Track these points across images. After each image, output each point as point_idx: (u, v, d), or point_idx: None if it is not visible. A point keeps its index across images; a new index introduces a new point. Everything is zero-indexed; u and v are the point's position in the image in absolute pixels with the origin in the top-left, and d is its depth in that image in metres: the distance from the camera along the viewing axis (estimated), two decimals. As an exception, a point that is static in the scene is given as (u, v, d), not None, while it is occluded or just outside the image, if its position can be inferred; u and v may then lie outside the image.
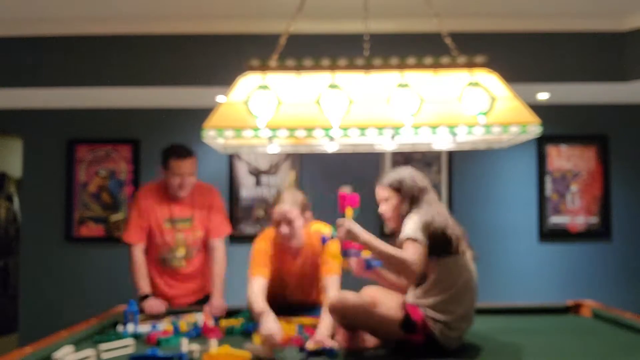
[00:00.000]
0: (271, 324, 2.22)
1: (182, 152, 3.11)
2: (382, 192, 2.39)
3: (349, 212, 2.28)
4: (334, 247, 2.42)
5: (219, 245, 3.19)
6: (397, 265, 2.14)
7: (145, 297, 2.98)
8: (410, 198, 2.32)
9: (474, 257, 2.32)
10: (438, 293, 2.18)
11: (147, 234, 3.14)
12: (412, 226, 2.20)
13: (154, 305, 2.92)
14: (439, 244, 2.20)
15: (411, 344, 2.14)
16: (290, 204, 2.61)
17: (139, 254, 3.11)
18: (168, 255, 3.17)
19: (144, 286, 3.04)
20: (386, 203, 2.38)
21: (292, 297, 2.86)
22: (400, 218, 2.32)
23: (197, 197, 3.19)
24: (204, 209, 3.18)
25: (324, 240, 2.49)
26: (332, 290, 2.55)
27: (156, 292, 3.12)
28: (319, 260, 2.68)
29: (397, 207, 2.35)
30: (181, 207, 3.16)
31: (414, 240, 2.16)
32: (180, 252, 3.16)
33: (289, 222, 2.60)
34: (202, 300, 3.14)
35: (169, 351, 2.11)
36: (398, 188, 2.34)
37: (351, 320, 2.19)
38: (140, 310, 2.81)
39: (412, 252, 2.13)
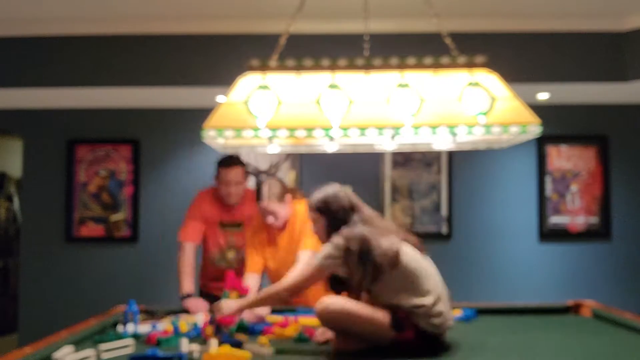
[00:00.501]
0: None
1: (228, 160, 3.21)
2: (310, 214, 2.35)
3: (233, 294, 2.47)
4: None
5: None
6: (277, 300, 2.31)
7: (188, 296, 3.03)
8: (335, 219, 2.26)
9: (419, 248, 2.26)
10: (402, 295, 2.15)
11: (202, 238, 3.27)
12: (323, 251, 2.21)
13: (196, 304, 2.96)
14: (371, 269, 2.15)
15: (404, 342, 2.12)
16: (267, 197, 2.88)
17: (189, 252, 3.19)
18: (219, 257, 3.29)
19: (187, 285, 3.09)
20: (315, 225, 2.34)
21: (283, 270, 2.94)
22: (328, 239, 2.26)
23: (245, 202, 3.27)
24: (251, 212, 3.22)
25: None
26: (300, 263, 2.79)
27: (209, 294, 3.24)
28: (300, 236, 2.94)
29: (324, 229, 2.29)
30: (232, 212, 3.27)
31: (316, 265, 2.21)
32: (231, 255, 3.28)
33: (271, 213, 2.90)
34: None
35: (169, 351, 2.11)
36: (322, 210, 2.29)
37: (339, 325, 2.17)
38: (183, 310, 2.93)
39: (296, 275, 2.28)
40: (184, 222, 3.28)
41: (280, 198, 2.91)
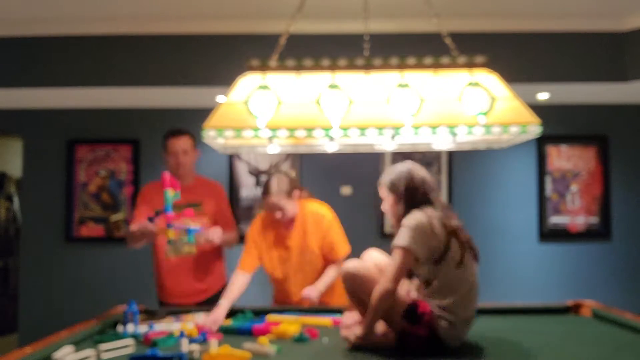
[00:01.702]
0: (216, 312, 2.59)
1: (175, 130, 3.23)
2: (381, 191, 2.37)
3: (170, 192, 2.66)
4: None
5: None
6: (384, 303, 2.14)
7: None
8: (405, 199, 2.26)
9: (477, 258, 2.26)
10: (444, 296, 2.16)
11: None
12: (403, 233, 2.17)
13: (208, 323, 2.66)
14: (434, 251, 2.16)
15: (413, 336, 2.11)
16: (276, 193, 2.86)
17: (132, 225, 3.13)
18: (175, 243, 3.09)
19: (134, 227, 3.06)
20: (385, 202, 2.36)
21: (293, 278, 2.99)
22: (398, 218, 2.28)
23: (204, 189, 3.27)
24: (210, 201, 3.24)
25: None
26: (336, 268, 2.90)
27: (164, 291, 3.21)
28: (313, 238, 2.94)
29: (392, 207, 2.31)
30: (187, 193, 3.10)
31: (402, 248, 2.14)
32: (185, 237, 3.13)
33: (280, 209, 2.88)
34: (211, 300, 3.09)
35: (169, 351, 2.11)
36: (391, 188, 2.30)
37: (360, 292, 2.19)
38: (183, 311, 2.87)
39: (390, 272, 2.13)
40: (132, 215, 3.26)
41: (289, 194, 2.89)
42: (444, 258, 2.15)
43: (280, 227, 2.98)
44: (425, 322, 2.11)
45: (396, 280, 2.13)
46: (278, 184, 2.88)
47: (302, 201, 3.00)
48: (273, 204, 2.87)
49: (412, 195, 2.25)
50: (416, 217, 2.18)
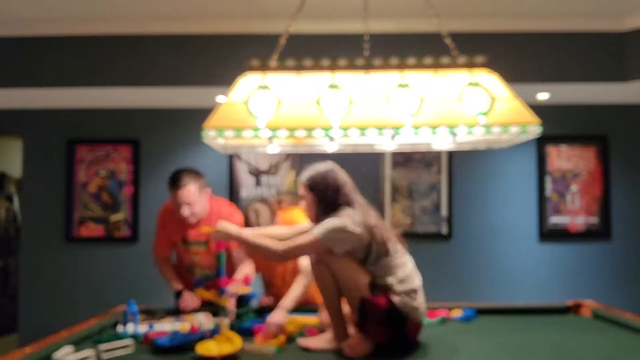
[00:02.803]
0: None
1: (176, 181, 2.97)
2: (300, 189, 2.35)
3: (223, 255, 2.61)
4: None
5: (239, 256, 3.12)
6: (263, 253, 2.25)
7: (180, 293, 3.01)
8: (324, 199, 2.26)
9: (406, 250, 2.33)
10: (386, 277, 2.21)
11: (173, 247, 3.20)
12: (321, 227, 2.19)
13: (188, 300, 2.94)
14: (369, 253, 2.21)
15: (373, 305, 2.13)
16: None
17: (164, 265, 3.17)
18: (188, 271, 3.21)
19: (176, 284, 3.07)
20: (304, 201, 2.34)
21: (279, 279, 3.06)
22: (317, 218, 2.28)
23: (214, 219, 3.02)
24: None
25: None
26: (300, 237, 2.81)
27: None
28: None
29: (311, 206, 2.30)
30: (197, 229, 3.07)
31: (314, 236, 2.17)
32: (198, 271, 3.16)
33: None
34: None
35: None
36: (311, 187, 2.29)
37: (336, 246, 2.19)
38: (177, 309, 2.93)
39: (290, 243, 2.19)
40: (156, 236, 3.22)
41: (271, 222, 2.90)
42: (372, 254, 2.21)
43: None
44: (383, 294, 2.15)
45: (287, 252, 2.21)
46: (257, 218, 2.86)
47: (286, 210, 3.02)
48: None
49: (333, 196, 2.26)
50: (337, 219, 2.19)
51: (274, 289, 3.10)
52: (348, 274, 2.18)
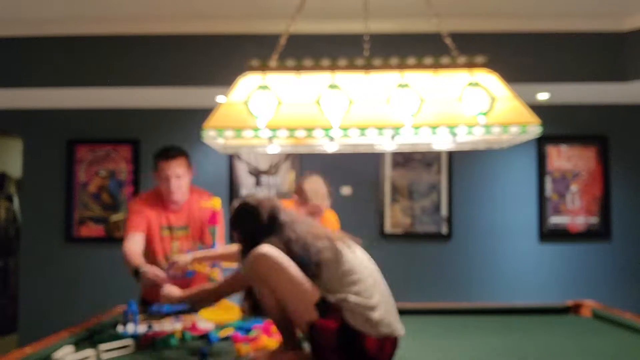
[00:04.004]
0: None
1: (168, 152, 2.94)
2: (230, 229, 2.24)
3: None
4: None
5: None
6: (238, 285, 2.18)
7: (138, 269, 2.75)
8: (251, 233, 2.07)
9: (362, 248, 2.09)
10: (336, 292, 1.94)
11: (144, 239, 2.99)
12: (247, 264, 2.00)
13: (154, 271, 2.70)
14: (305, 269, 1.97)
15: (322, 330, 1.89)
16: (315, 198, 2.97)
17: (130, 242, 2.88)
18: (169, 258, 3.06)
19: (138, 261, 2.79)
20: (235, 240, 2.21)
21: None
22: (248, 252, 2.06)
23: (194, 207, 3.02)
24: (199, 221, 3.05)
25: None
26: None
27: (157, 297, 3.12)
28: None
29: (241, 242, 2.14)
30: (177, 215, 3.03)
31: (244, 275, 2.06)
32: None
33: (320, 211, 3.01)
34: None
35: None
36: (235, 225, 2.14)
37: (267, 278, 1.96)
38: (140, 281, 2.75)
39: (227, 281, 2.19)
40: (125, 225, 3.03)
41: (326, 198, 3.01)
42: (307, 270, 1.98)
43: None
44: (334, 313, 1.89)
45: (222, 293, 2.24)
46: (318, 187, 3.01)
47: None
48: (315, 207, 2.97)
49: (259, 229, 2.06)
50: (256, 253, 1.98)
51: None
52: (291, 298, 1.94)
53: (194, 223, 3.05)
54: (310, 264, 1.98)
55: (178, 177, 2.93)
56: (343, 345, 1.88)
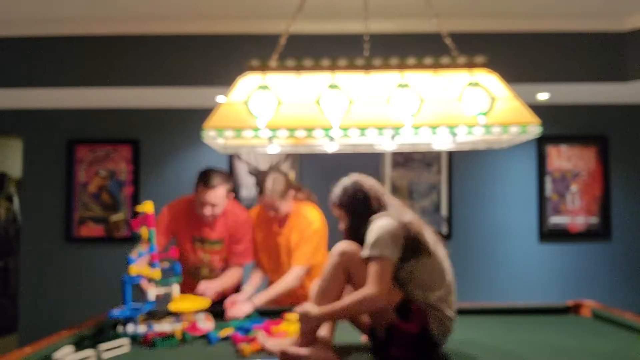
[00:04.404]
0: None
1: (210, 181, 2.92)
2: (333, 210, 2.29)
3: (144, 231, 2.60)
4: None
5: (236, 270, 3.11)
6: (363, 307, 2.03)
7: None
8: (357, 210, 2.19)
9: (447, 254, 2.19)
10: (425, 293, 2.07)
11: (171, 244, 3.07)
12: (371, 240, 2.06)
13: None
14: (406, 250, 2.07)
15: (403, 331, 2.01)
16: (271, 193, 2.94)
17: None
18: (193, 272, 3.13)
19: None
20: (341, 221, 2.27)
21: (276, 274, 3.09)
22: (355, 232, 2.18)
23: (228, 222, 3.07)
24: (230, 234, 3.09)
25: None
26: (289, 276, 2.91)
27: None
28: (293, 240, 3.01)
29: (346, 222, 2.23)
30: (211, 227, 3.06)
31: (376, 258, 2.04)
32: (204, 272, 3.13)
33: (274, 208, 2.96)
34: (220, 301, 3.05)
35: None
36: (341, 204, 2.23)
37: (352, 271, 2.08)
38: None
39: (372, 280, 2.01)
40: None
41: (283, 194, 2.94)
42: (411, 255, 2.08)
43: (273, 224, 3.07)
44: (416, 318, 2.02)
45: (380, 286, 2.01)
46: (273, 184, 2.94)
47: (299, 202, 3.07)
48: (267, 203, 2.94)
49: (362, 208, 2.18)
50: (378, 225, 2.10)
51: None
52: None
53: (226, 238, 3.08)
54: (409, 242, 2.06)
55: (215, 205, 2.95)
56: (418, 348, 2.01)
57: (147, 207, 2.57)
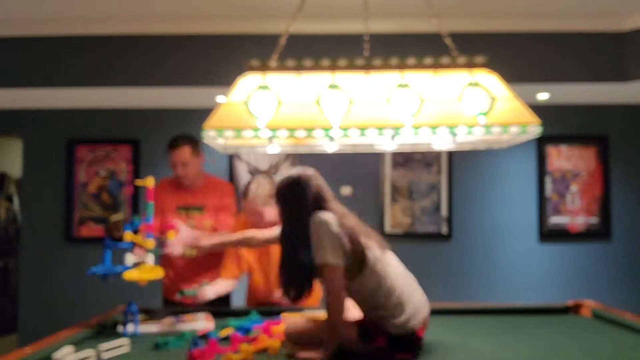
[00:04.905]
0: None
1: (175, 141, 3.20)
2: (273, 198, 2.22)
3: (171, 235, 2.76)
4: None
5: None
6: (338, 316, 1.99)
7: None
8: (298, 208, 2.07)
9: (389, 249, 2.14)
10: (378, 302, 2.03)
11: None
12: (321, 250, 1.99)
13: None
14: (352, 263, 2.02)
15: (378, 349, 2.02)
16: (254, 197, 2.89)
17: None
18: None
19: None
20: (278, 210, 2.17)
21: (270, 278, 3.02)
22: (291, 227, 2.10)
23: (210, 189, 3.27)
24: (214, 201, 3.24)
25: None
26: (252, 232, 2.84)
27: (171, 287, 3.23)
28: None
29: (284, 216, 2.13)
30: (194, 196, 3.24)
31: (330, 266, 1.98)
32: (192, 252, 3.14)
33: (258, 213, 2.92)
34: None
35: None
36: (283, 196, 2.12)
37: (308, 340, 2.07)
38: (184, 311, 2.83)
39: (327, 293, 1.98)
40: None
41: (268, 199, 2.84)
42: (357, 271, 2.02)
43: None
44: (377, 334, 2.02)
45: (334, 294, 1.98)
46: (257, 188, 2.87)
47: None
48: (251, 208, 2.89)
49: (311, 202, 2.07)
50: (319, 223, 2.01)
51: (267, 293, 3.03)
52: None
53: (209, 205, 3.22)
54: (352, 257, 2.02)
55: (184, 164, 3.17)
56: (395, 347, 2.04)
57: (148, 181, 2.58)
